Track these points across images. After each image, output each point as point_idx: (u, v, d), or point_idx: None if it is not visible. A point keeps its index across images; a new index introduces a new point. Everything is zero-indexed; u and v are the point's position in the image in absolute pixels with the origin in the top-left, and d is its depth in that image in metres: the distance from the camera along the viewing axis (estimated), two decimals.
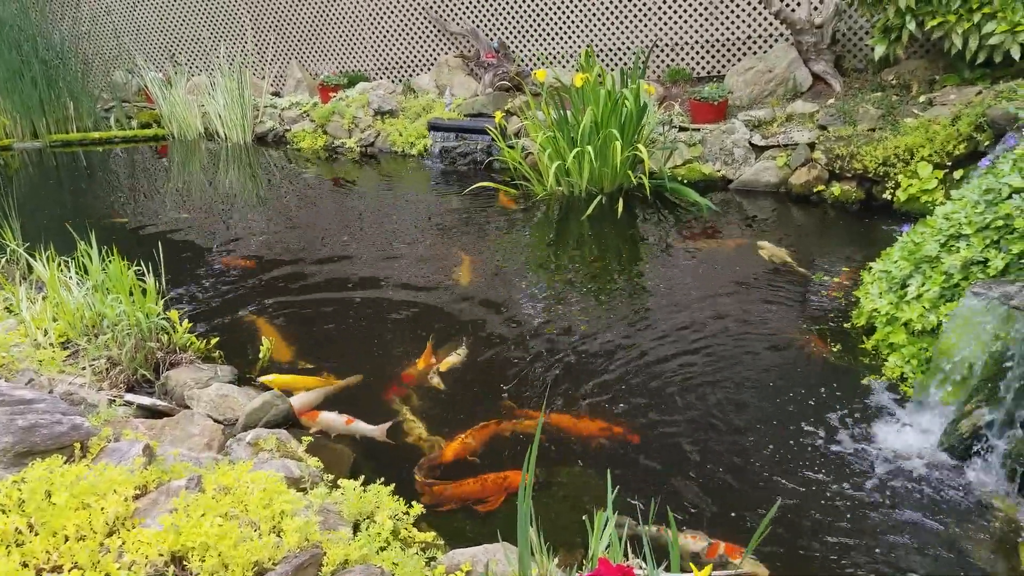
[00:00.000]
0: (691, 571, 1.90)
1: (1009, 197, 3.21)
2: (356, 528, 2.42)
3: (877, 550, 2.51)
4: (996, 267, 3.12)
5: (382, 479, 2.63)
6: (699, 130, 6.92)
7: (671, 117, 7.10)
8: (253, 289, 4.96)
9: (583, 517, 2.34)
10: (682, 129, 7.03)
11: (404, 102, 9.23)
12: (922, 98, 6.11)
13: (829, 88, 6.88)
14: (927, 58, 6.47)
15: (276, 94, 10.84)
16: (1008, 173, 3.29)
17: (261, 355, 3.90)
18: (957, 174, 5.39)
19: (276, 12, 10.55)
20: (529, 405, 3.46)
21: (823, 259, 5.06)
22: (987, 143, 5.26)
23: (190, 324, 3.93)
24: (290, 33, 10.61)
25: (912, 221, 5.00)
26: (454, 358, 3.88)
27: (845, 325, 4.02)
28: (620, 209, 6.07)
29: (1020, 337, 2.64)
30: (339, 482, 2.58)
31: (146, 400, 3.33)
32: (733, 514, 2.72)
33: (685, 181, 6.64)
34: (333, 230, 6.21)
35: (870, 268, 4.29)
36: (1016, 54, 5.44)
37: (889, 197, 5.68)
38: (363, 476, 2.58)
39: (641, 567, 2.35)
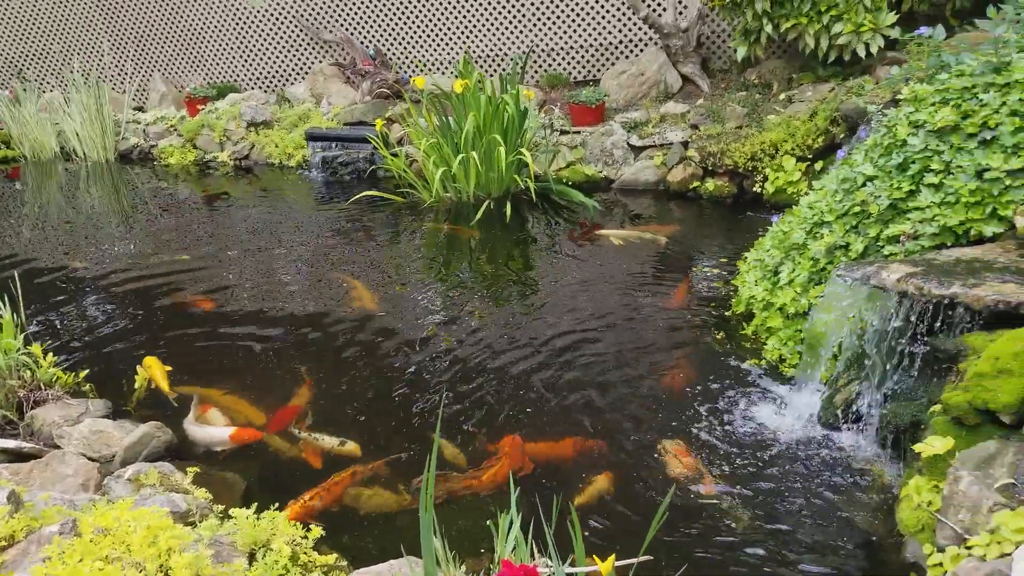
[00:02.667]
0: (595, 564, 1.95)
1: (863, 185, 3.47)
2: (252, 558, 2.32)
3: (766, 524, 2.66)
4: (856, 250, 3.38)
5: (276, 505, 2.55)
6: (579, 133, 7.11)
7: (552, 121, 7.26)
8: (123, 319, 4.68)
9: (487, 522, 2.35)
10: (563, 132, 7.20)
11: (279, 112, 8.98)
12: (782, 96, 6.52)
13: (698, 89, 7.23)
14: (784, 58, 6.92)
15: (139, 109, 10.28)
16: (861, 163, 3.57)
17: (137, 386, 3.69)
18: (818, 165, 5.79)
19: (135, 22, 10.01)
20: (425, 419, 3.44)
21: (703, 252, 5.31)
22: (842, 135, 5.68)
23: (55, 358, 3.66)
24: (152, 44, 10.09)
25: (781, 212, 5.31)
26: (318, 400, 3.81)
27: (726, 313, 4.23)
28: (509, 213, 6.14)
29: (881, 314, 2.87)
30: (231, 512, 2.47)
31: (10, 443, 3.07)
32: (629, 501, 2.81)
33: (570, 183, 6.80)
34: (211, 251, 5.95)
35: (745, 258, 4.54)
36: (862, 52, 5.90)
37: (759, 190, 6.03)
38: (256, 503, 2.48)
39: (548, 565, 2.38)
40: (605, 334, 4.12)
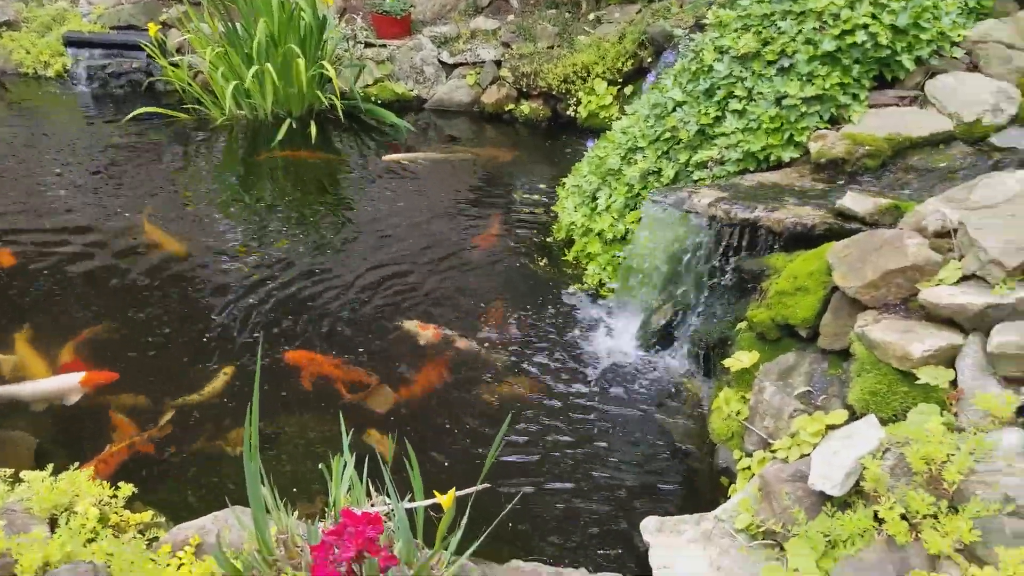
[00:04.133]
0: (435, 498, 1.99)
1: (673, 110, 3.67)
2: (54, 524, 2.12)
3: (588, 439, 2.85)
4: (668, 176, 3.59)
5: (77, 464, 2.32)
6: (386, 46, 6.83)
7: (355, 32, 6.90)
8: None
9: (320, 465, 2.30)
10: (368, 45, 6.88)
11: (26, 11, 7.74)
12: (591, 16, 6.66)
13: (507, 4, 7.19)
14: None
15: None
16: (671, 88, 3.75)
17: None
18: (628, 89, 6.02)
19: None
20: (242, 351, 3.26)
21: (523, 176, 5.39)
22: (650, 59, 5.93)
23: None
24: None
25: (595, 136, 5.51)
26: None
27: (547, 240, 4.37)
28: (314, 133, 5.82)
29: (693, 238, 3.09)
30: (22, 475, 2.23)
31: None
32: (467, 427, 2.88)
33: (379, 101, 6.56)
34: None
35: (564, 183, 4.68)
36: None
37: (573, 114, 6.18)
38: (52, 464, 2.25)
39: (386, 502, 2.39)
40: (423, 264, 4.09)
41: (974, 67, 3.41)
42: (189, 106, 6.28)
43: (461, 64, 6.60)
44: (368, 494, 2.39)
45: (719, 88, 3.42)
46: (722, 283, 3.05)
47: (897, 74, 3.29)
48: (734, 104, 3.35)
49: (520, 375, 3.20)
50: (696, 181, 3.43)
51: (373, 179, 5.32)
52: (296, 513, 2.28)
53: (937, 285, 2.26)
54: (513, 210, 4.79)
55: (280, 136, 5.71)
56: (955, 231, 2.36)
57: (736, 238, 2.91)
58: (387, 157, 5.59)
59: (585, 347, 3.39)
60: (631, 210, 3.83)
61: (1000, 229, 2.21)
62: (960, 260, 2.28)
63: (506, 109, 6.44)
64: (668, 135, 3.65)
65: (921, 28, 3.24)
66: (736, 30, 3.46)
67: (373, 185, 5.23)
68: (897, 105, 3.27)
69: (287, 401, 3.04)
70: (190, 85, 6.24)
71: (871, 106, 3.27)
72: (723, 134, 3.38)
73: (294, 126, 5.96)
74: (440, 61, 6.70)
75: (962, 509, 1.71)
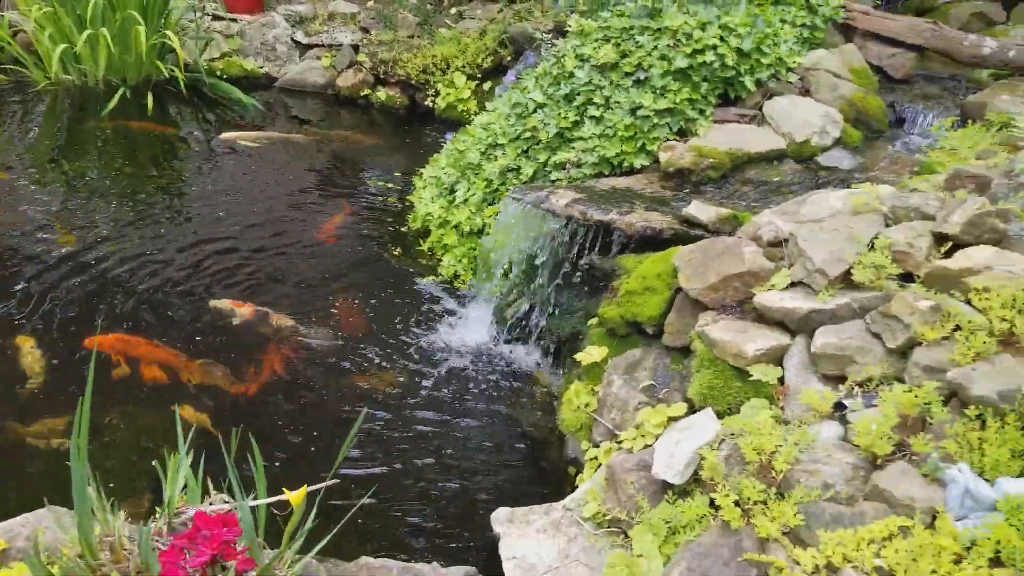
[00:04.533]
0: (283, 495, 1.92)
1: (534, 111, 3.75)
2: None
3: (440, 429, 2.86)
4: (527, 174, 3.66)
5: None
6: (237, 21, 6.50)
7: (203, 4, 6.51)
8: None
9: (153, 462, 2.15)
10: (217, 18, 6.51)
11: None
12: (453, 10, 6.67)
13: None
14: None
15: None
16: (532, 89, 3.83)
17: None
18: (487, 85, 6.08)
19: None
20: (52, 329, 2.99)
21: (377, 163, 5.30)
22: (510, 58, 6.02)
23: None
24: None
25: (452, 128, 5.53)
26: None
27: (402, 229, 4.32)
28: (151, 105, 5.44)
29: (549, 235, 3.17)
30: None
31: None
32: (313, 420, 2.80)
33: (225, 76, 6.22)
34: None
35: (421, 173, 4.65)
36: None
37: (431, 104, 6.16)
38: None
39: (225, 501, 2.28)
40: (269, 251, 3.93)
41: (806, 92, 3.74)
42: (8, 67, 5.67)
43: (317, 45, 6.41)
44: (207, 491, 2.27)
45: (579, 94, 3.54)
46: (575, 280, 3.15)
47: (740, 93, 3.55)
48: (592, 111, 3.47)
49: (370, 366, 3.16)
50: (554, 181, 3.53)
51: (212, 157, 5.04)
52: (122, 513, 2.13)
53: (769, 290, 2.46)
54: (366, 196, 4.70)
55: (112, 105, 5.29)
56: (786, 241, 2.57)
57: (590, 238, 3.02)
58: (226, 135, 5.28)
59: (437, 338, 3.39)
60: (489, 204, 3.87)
61: (825, 242, 2.43)
62: (790, 268, 2.49)
63: (362, 94, 6.32)
64: (528, 135, 3.72)
65: (762, 53, 3.51)
66: (597, 40, 3.59)
67: (211, 163, 4.96)
68: (739, 122, 3.53)
69: (109, 388, 2.82)
70: (9, 43, 5.64)
71: (716, 121, 3.50)
72: (581, 138, 3.49)
73: (128, 96, 5.54)
74: (294, 40, 6.46)
75: (788, 495, 1.87)
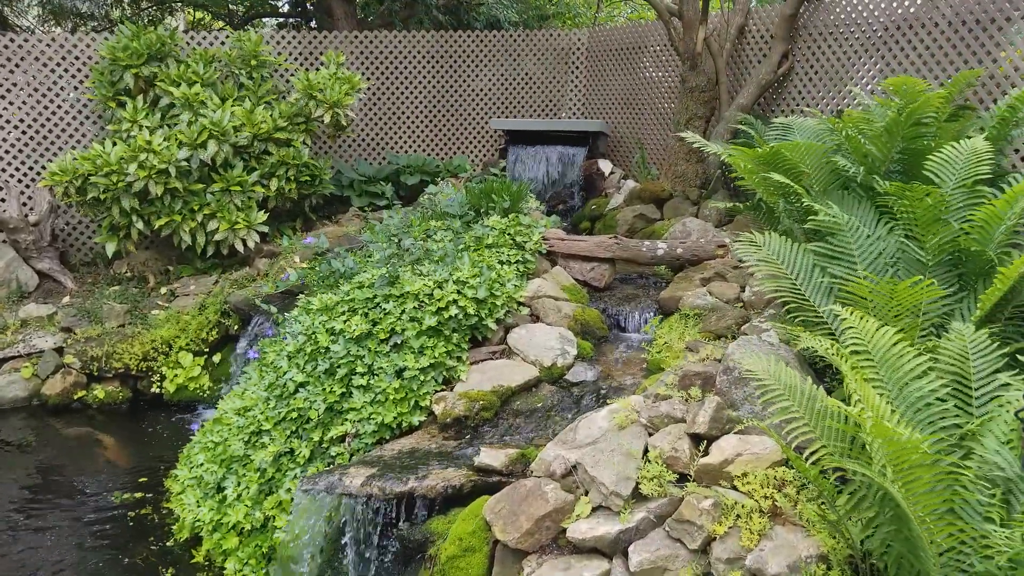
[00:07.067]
0: None
1: (296, 391, 3.86)
2: None
3: None
4: (304, 455, 3.71)
5: None
6: None
7: None
8: None
9: None
10: None
11: None
12: (163, 289, 6.63)
13: (61, 285, 6.76)
14: (157, 249, 7.06)
15: None
16: (289, 369, 3.96)
17: None
18: (216, 357, 6.03)
19: None
20: None
21: (110, 472, 4.90)
22: (236, 326, 6.08)
23: None
24: None
25: (187, 410, 5.35)
26: None
27: (168, 543, 4.03)
28: None
29: (349, 517, 3.22)
30: None
31: None
32: None
33: None
34: None
35: (174, 475, 4.42)
36: (240, 247, 6.49)
37: (158, 390, 5.92)
38: None
39: None
40: None
41: (537, 318, 4.33)
42: None
43: (13, 357, 5.91)
44: None
45: (340, 367, 3.75)
46: (386, 559, 3.20)
47: (486, 334, 4.01)
48: (358, 380, 3.69)
49: None
50: (335, 457, 3.62)
51: None
52: None
53: (576, 520, 2.76)
54: (109, 513, 4.31)
55: None
56: (575, 469, 2.93)
57: (393, 510, 3.13)
58: None
59: None
60: (267, 495, 3.80)
61: (609, 465, 2.83)
62: (587, 495, 2.83)
63: (75, 397, 5.89)
64: (296, 415, 3.80)
65: (495, 296, 4.05)
66: (343, 313, 3.88)
67: None
68: (492, 359, 3.97)
69: None
70: None
71: (472, 363, 3.90)
72: (353, 408, 3.66)
73: None
74: None
75: None
